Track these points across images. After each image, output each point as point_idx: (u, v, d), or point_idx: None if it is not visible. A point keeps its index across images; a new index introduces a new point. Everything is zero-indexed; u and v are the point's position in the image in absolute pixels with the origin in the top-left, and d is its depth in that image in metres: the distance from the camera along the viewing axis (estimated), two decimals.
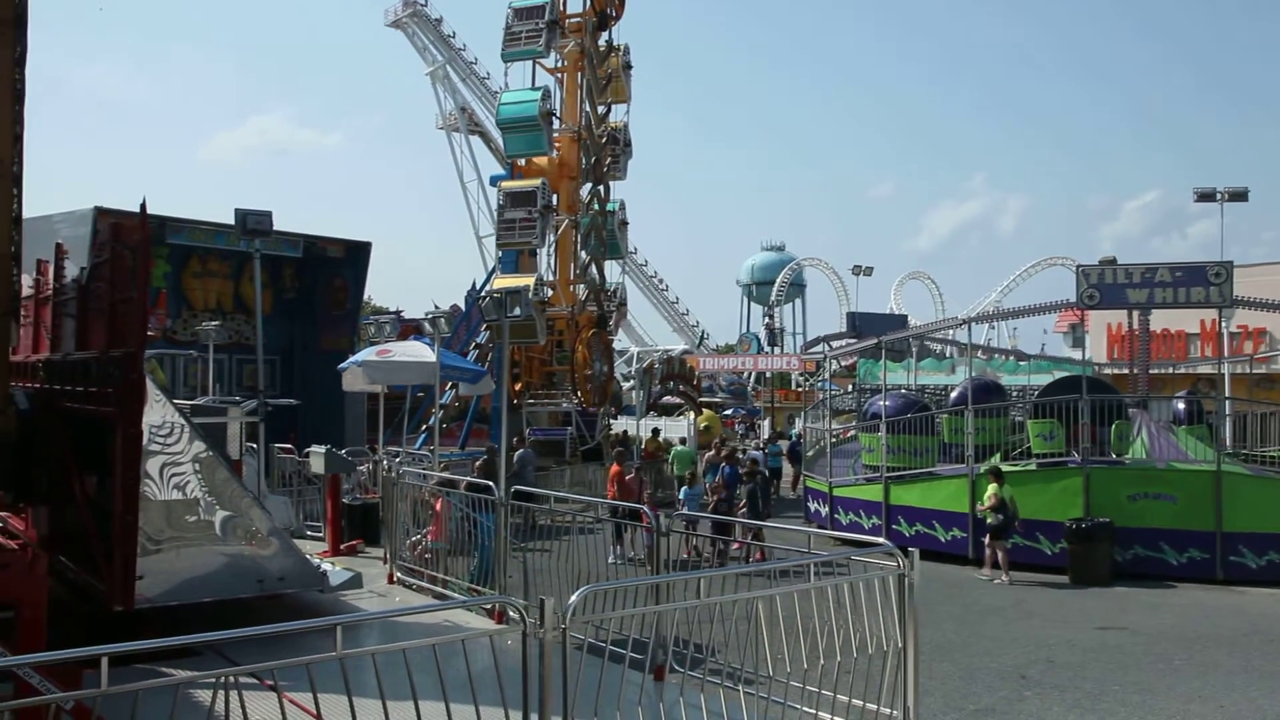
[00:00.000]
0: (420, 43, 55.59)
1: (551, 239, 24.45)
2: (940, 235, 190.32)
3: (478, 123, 55.12)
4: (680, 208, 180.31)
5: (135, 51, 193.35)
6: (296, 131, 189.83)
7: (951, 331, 27.05)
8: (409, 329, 25.11)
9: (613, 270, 27.56)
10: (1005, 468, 17.07)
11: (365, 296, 31.07)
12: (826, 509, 19.69)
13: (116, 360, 6.33)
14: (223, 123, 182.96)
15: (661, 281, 68.61)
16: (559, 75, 25.61)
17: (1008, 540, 15.45)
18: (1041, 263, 67.19)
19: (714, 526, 14.66)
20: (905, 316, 60.86)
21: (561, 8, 24.81)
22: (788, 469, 27.20)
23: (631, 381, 35.86)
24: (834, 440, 21.67)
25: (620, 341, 47.41)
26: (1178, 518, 15.61)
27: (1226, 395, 23.36)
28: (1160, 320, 25.57)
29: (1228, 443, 18.49)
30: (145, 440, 7.03)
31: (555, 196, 24.00)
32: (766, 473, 19.38)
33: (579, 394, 24.53)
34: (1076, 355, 38.22)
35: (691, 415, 34.06)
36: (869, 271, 59.31)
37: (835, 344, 32.80)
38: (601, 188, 25.99)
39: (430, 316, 16.10)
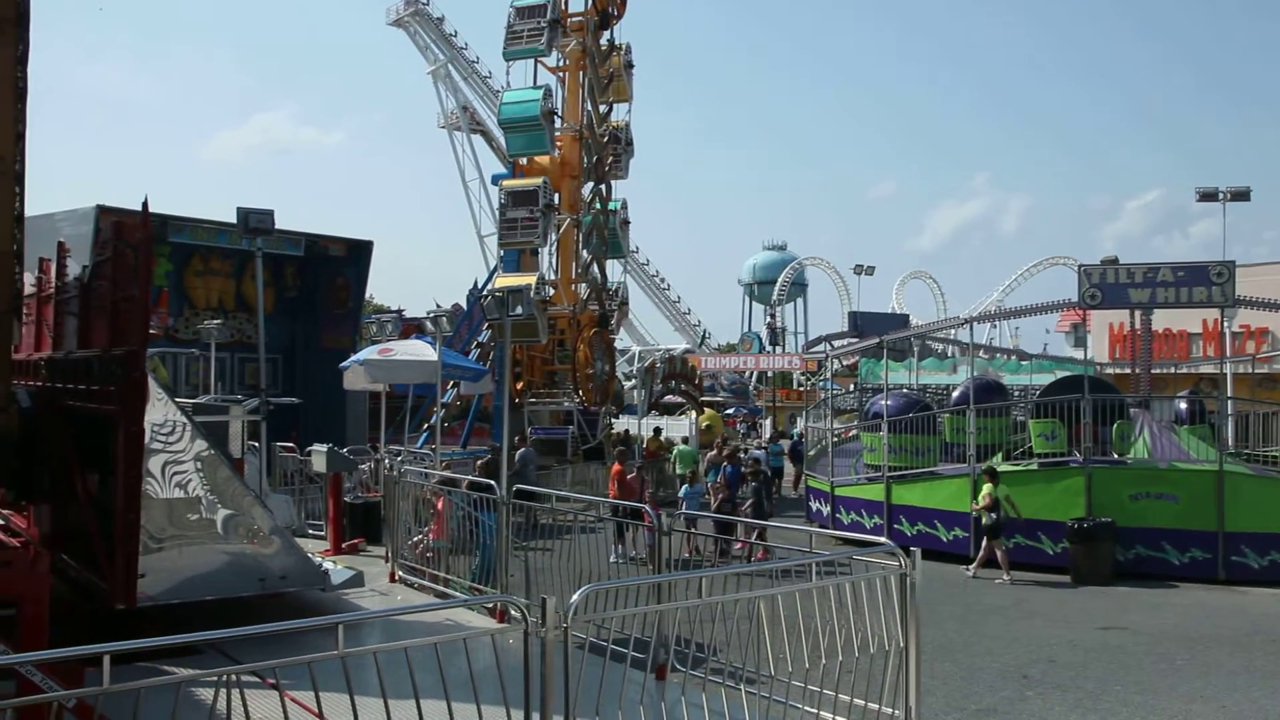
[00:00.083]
0: (422, 41, 55.61)
1: (553, 238, 24.43)
2: (942, 235, 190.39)
3: (479, 121, 55.12)
4: (682, 207, 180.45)
5: (137, 50, 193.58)
6: (298, 130, 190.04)
7: (953, 331, 27.07)
8: (411, 328, 25.13)
9: (614, 269, 27.56)
10: (1007, 467, 17.08)
11: (367, 295, 31.10)
12: (828, 508, 19.68)
13: (119, 358, 6.33)
14: (225, 121, 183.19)
15: (663, 280, 68.64)
16: (560, 74, 25.60)
17: (1006, 540, 15.45)
18: (1043, 262, 67.19)
19: (717, 526, 14.66)
20: (907, 316, 60.77)
21: (563, 6, 24.80)
22: (789, 468, 27.20)
23: (633, 381, 35.82)
24: (836, 440, 21.66)
25: (622, 340, 47.40)
26: (1180, 517, 15.60)
27: (1229, 395, 23.32)
28: (1162, 320, 25.55)
29: (1230, 442, 18.49)
30: (147, 438, 7.03)
31: (557, 195, 23.99)
32: (769, 472, 19.39)
33: (580, 393, 24.52)
34: (1078, 355, 38.18)
35: (693, 414, 34.04)
36: (871, 271, 59.35)
37: (837, 343, 32.74)
38: (603, 187, 25.98)
39: (432, 315, 16.10)
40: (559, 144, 24.68)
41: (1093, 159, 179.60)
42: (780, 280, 73.05)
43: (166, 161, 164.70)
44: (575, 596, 4.45)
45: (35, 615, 5.19)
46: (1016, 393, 25.24)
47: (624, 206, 27.46)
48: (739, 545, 14.61)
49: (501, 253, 25.00)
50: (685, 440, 27.72)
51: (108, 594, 6.53)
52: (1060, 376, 22.89)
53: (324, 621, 4.36)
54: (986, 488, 15.54)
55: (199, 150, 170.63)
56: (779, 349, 61.32)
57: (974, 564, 15.55)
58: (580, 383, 24.34)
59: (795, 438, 29.86)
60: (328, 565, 9.80)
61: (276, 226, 15.35)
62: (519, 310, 14.48)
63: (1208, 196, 34.64)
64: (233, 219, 15.50)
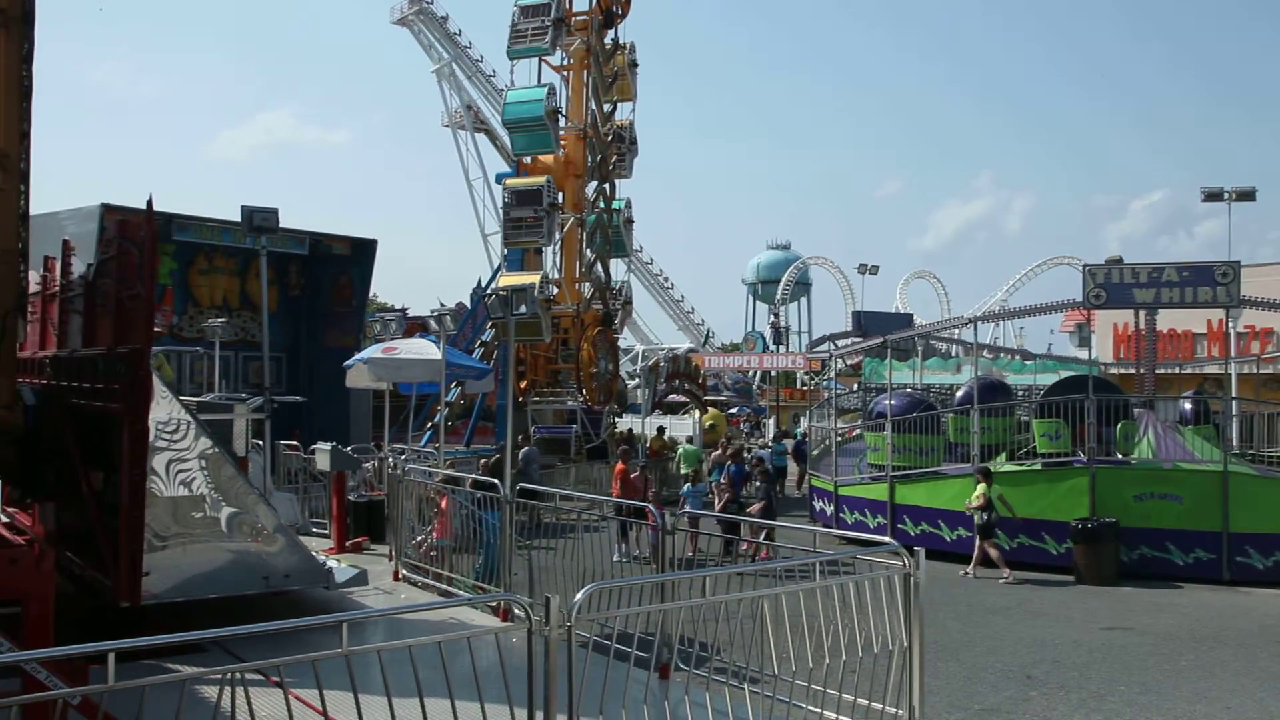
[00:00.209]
0: (426, 40, 55.63)
1: (557, 237, 24.44)
2: (946, 234, 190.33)
3: (483, 120, 55.13)
4: (686, 206, 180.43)
5: (141, 49, 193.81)
6: (302, 129, 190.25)
7: (957, 330, 27.05)
8: (414, 326, 25.14)
9: (618, 268, 27.57)
10: (1010, 467, 17.07)
11: (371, 294, 31.10)
12: (831, 508, 19.67)
13: (123, 357, 6.34)
14: (229, 120, 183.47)
15: (667, 280, 68.68)
16: (564, 73, 25.59)
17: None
18: (1047, 262, 67.16)
19: (723, 525, 14.66)
20: (911, 315, 60.84)
21: (567, 5, 24.78)
22: (793, 468, 27.18)
23: (637, 380, 35.79)
24: (839, 439, 21.65)
25: (625, 340, 47.42)
26: (1184, 518, 15.57)
27: (1233, 395, 23.29)
28: (1167, 320, 25.52)
29: (1234, 443, 18.46)
30: (152, 436, 7.03)
31: (560, 194, 23.99)
32: (772, 471, 19.39)
33: (584, 392, 24.53)
34: (1082, 355, 38.10)
35: (696, 414, 34.04)
36: (874, 270, 59.34)
37: (840, 343, 32.78)
38: (607, 186, 25.97)
39: (436, 314, 16.11)
40: (563, 143, 24.67)
41: (1097, 159, 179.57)
42: (784, 279, 73.03)
43: (170, 160, 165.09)
44: (579, 595, 4.45)
45: (40, 613, 5.20)
46: (1020, 393, 25.21)
47: (628, 205, 27.45)
48: (745, 545, 14.59)
49: (505, 251, 25.00)
50: (690, 440, 27.71)
51: (112, 592, 6.54)
52: (1064, 376, 22.86)
53: (328, 620, 4.36)
54: (980, 487, 15.57)
55: (203, 149, 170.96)
56: (783, 348, 61.34)
57: (970, 565, 15.55)
58: (584, 382, 24.34)
59: (799, 437, 29.85)
60: (331, 564, 9.80)
61: (280, 225, 15.35)
62: (523, 309, 14.50)
63: (1213, 196, 34.55)
64: (237, 217, 15.50)
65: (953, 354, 38.41)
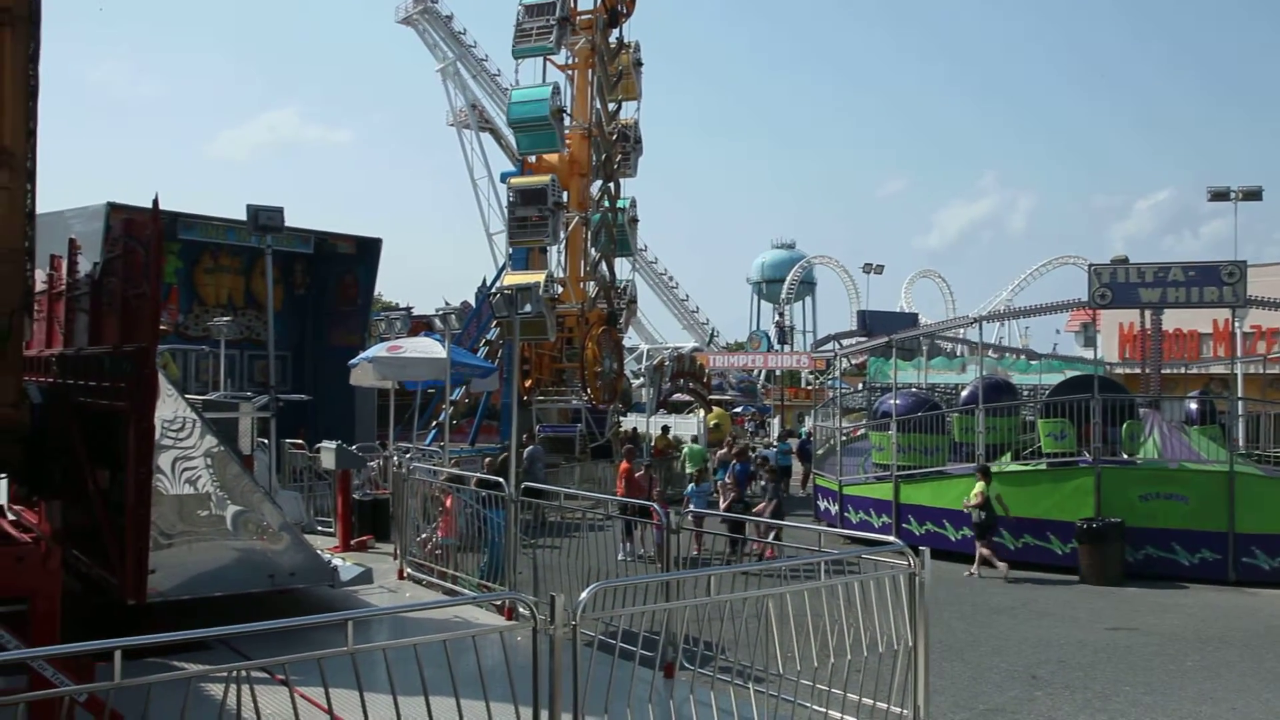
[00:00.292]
0: (431, 39, 55.62)
1: (562, 236, 24.45)
2: (951, 233, 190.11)
3: (488, 119, 55.12)
4: (690, 205, 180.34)
5: (145, 49, 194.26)
6: (306, 128, 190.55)
7: (962, 330, 27.00)
8: (419, 325, 25.18)
9: (623, 267, 27.60)
10: (1015, 467, 17.05)
11: (376, 293, 31.10)
12: (836, 507, 19.66)
13: (129, 355, 6.35)
14: (233, 119, 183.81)
15: (671, 279, 68.63)
16: (569, 72, 25.59)
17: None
18: (1053, 261, 67.00)
19: (729, 524, 14.64)
20: (916, 315, 60.58)
21: (572, 4, 24.81)
22: (797, 467, 27.17)
23: (641, 379, 35.77)
24: (844, 439, 21.63)
25: (630, 339, 47.37)
26: (1190, 518, 15.53)
27: (1239, 395, 23.23)
28: (1173, 320, 25.45)
29: (1240, 443, 18.39)
30: (158, 435, 7.05)
31: (565, 193, 24.00)
32: (777, 471, 19.38)
33: (589, 391, 24.54)
34: (1088, 354, 38.04)
35: (701, 413, 34.03)
36: (879, 270, 59.25)
37: (845, 342, 32.66)
38: (612, 185, 25.98)
39: (441, 313, 16.15)
40: (568, 142, 24.68)
41: (1103, 158, 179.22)
42: (789, 279, 73.01)
43: (175, 159, 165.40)
44: (584, 594, 4.45)
45: (47, 610, 5.21)
46: (1025, 392, 25.16)
47: (633, 204, 27.46)
48: (754, 546, 14.57)
49: (510, 250, 25.02)
50: (695, 439, 27.71)
51: (118, 590, 6.55)
52: (1069, 376, 22.81)
53: (334, 618, 4.37)
54: (979, 486, 15.58)
55: (207, 147, 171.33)
56: (787, 347, 61.24)
57: (975, 564, 15.54)
58: (588, 381, 24.35)
59: (803, 436, 29.83)
60: (336, 562, 9.82)
61: (286, 224, 15.38)
62: (528, 308, 14.51)
63: (1219, 196, 34.47)
64: (242, 216, 15.53)
65: (958, 353, 38.32)
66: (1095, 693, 9.28)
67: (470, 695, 4.33)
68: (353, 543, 13.02)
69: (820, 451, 23.55)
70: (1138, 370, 22.40)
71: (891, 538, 10.25)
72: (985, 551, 15.37)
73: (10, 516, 7.81)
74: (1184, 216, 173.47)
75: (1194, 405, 19.47)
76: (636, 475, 16.66)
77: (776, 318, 68.59)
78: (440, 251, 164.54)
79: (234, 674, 3.84)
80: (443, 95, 56.32)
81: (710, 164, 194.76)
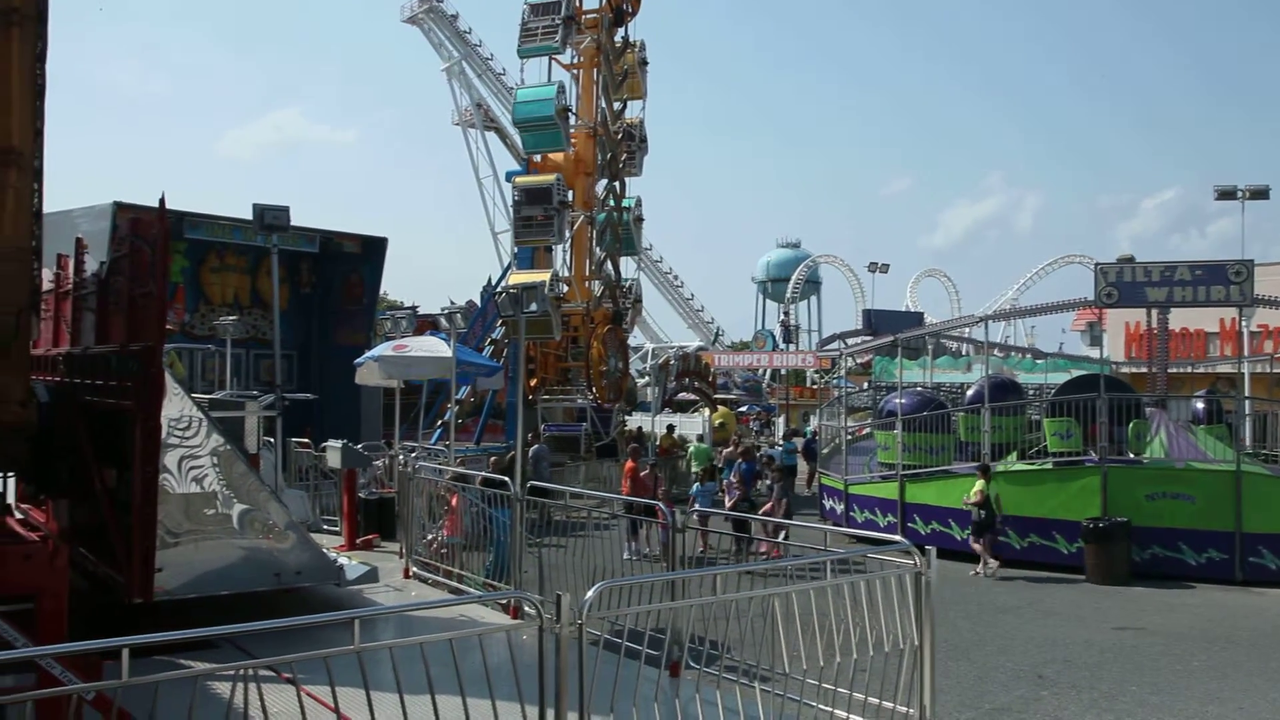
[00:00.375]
0: (436, 39, 55.65)
1: (567, 235, 24.46)
2: (956, 232, 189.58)
3: (493, 119, 55.15)
4: (696, 204, 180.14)
5: (150, 48, 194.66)
6: (312, 127, 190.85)
7: (968, 329, 26.93)
8: (425, 324, 25.21)
9: (628, 266, 27.59)
10: (1022, 466, 17.01)
11: (381, 292, 31.16)
12: (842, 507, 19.64)
13: (136, 354, 6.37)
14: (238, 119, 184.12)
15: (677, 278, 68.57)
16: (575, 70, 25.60)
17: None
18: (1059, 260, 66.86)
19: (736, 524, 14.64)
20: (921, 314, 60.58)
21: (577, 3, 24.79)
22: (802, 466, 27.14)
23: (646, 378, 35.82)
24: (849, 438, 21.60)
25: (635, 338, 47.38)
26: (1196, 518, 15.49)
27: (1246, 395, 23.15)
28: (1179, 319, 25.36)
29: (1247, 443, 18.34)
30: (164, 434, 7.07)
31: (570, 192, 24.00)
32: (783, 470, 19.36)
33: (594, 390, 24.54)
34: (1094, 354, 38.00)
35: (706, 412, 34.03)
36: (885, 269, 59.05)
37: (851, 341, 32.68)
38: (617, 184, 25.98)
39: (446, 312, 16.17)
40: (573, 141, 24.69)
41: (1109, 157, 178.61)
42: (794, 278, 72.93)
43: (180, 158, 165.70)
44: (590, 593, 4.45)
45: (54, 609, 5.23)
46: (1031, 391, 25.11)
47: (638, 204, 27.45)
48: (761, 545, 14.55)
49: (515, 249, 25.04)
50: (701, 438, 27.70)
51: (125, 588, 6.57)
52: (1075, 375, 22.77)
53: (340, 617, 4.38)
54: (979, 484, 15.57)
55: (213, 147, 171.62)
56: (793, 346, 61.19)
57: (980, 563, 15.54)
58: (594, 380, 24.35)
59: (809, 436, 29.80)
60: (342, 561, 9.84)
61: (291, 223, 15.42)
62: (533, 307, 14.50)
63: (1226, 195, 34.33)
64: (248, 215, 15.58)
65: (963, 353, 38.25)
66: (1101, 692, 9.26)
67: (476, 694, 4.34)
68: (358, 541, 13.05)
69: (826, 451, 23.52)
70: (1144, 369, 22.37)
71: (897, 537, 10.24)
72: (977, 547, 15.42)
73: (18, 515, 7.84)
74: (1191, 215, 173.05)
75: (1200, 404, 19.41)
76: (641, 474, 16.66)
77: (782, 317, 68.57)
78: (445, 251, 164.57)
79: (241, 672, 3.86)
80: (448, 94, 56.41)
81: (715, 163, 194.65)
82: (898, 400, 19.49)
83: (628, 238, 26.66)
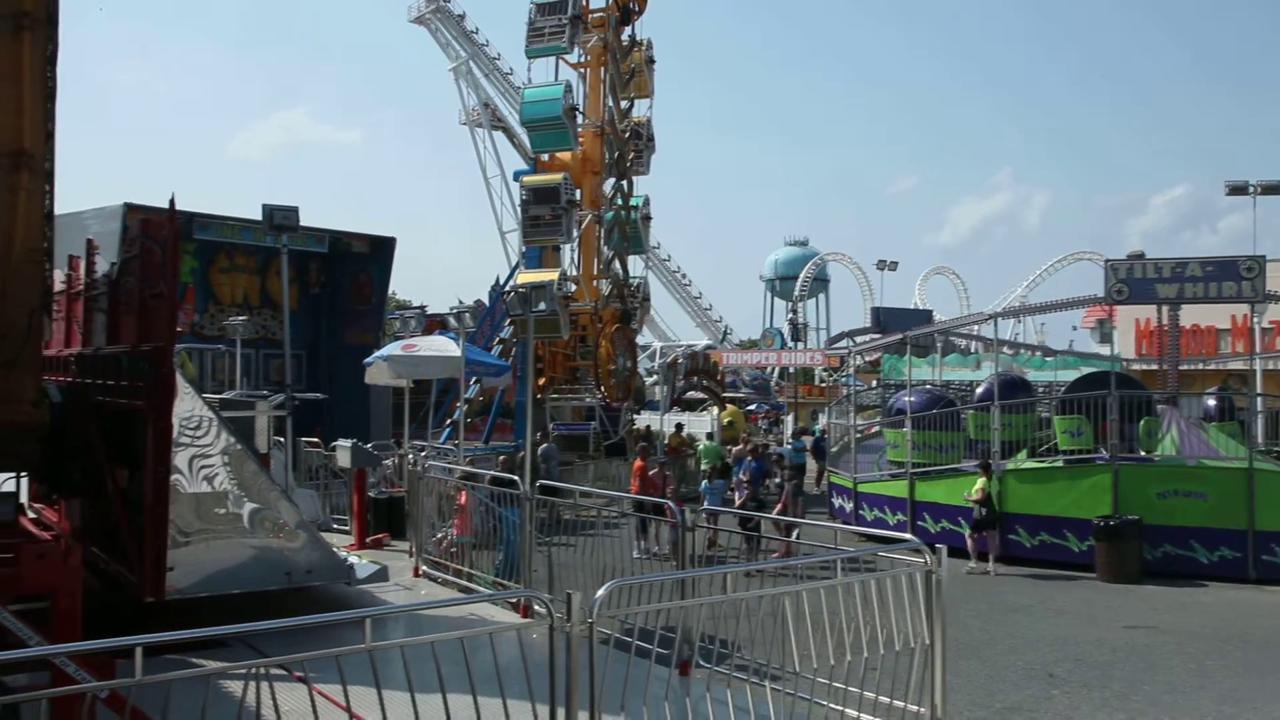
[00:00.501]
0: (443, 39, 55.69)
1: (575, 234, 24.46)
2: (964, 230, 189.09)
3: (501, 118, 55.17)
4: (703, 203, 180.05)
5: (157, 49, 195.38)
6: (319, 128, 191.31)
7: (977, 327, 26.87)
8: (433, 324, 25.23)
9: (636, 265, 27.54)
10: (1032, 464, 16.96)
11: (390, 291, 31.22)
12: (851, 505, 19.61)
13: (147, 354, 6.40)
14: (246, 120, 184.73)
15: (685, 276, 68.50)
16: (582, 70, 25.58)
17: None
18: (1068, 257, 66.56)
19: (745, 523, 14.63)
20: (930, 311, 60.31)
21: (584, 3, 24.78)
22: (812, 465, 27.11)
23: (655, 376, 35.79)
24: (858, 436, 21.57)
25: (643, 337, 47.31)
26: (1209, 516, 15.42)
27: (1258, 392, 23.03)
28: (1190, 315, 25.25)
29: (1260, 440, 18.23)
30: (175, 433, 7.10)
31: (578, 191, 23.99)
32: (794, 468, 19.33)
33: (602, 389, 24.54)
34: (1104, 351, 37.80)
35: (715, 410, 34.01)
36: (893, 266, 58.85)
37: (859, 339, 32.60)
38: (625, 183, 25.96)
39: (455, 311, 16.18)
40: (580, 140, 24.68)
41: (1118, 154, 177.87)
42: (802, 276, 72.78)
43: (189, 159, 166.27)
44: (600, 592, 4.45)
45: (68, 608, 5.25)
46: (1041, 389, 25.04)
47: (646, 202, 27.42)
48: (773, 544, 14.54)
49: (523, 249, 25.04)
50: (710, 437, 27.68)
51: (137, 587, 6.60)
52: (1086, 373, 22.67)
53: (351, 616, 4.39)
54: (981, 481, 15.55)
55: (221, 148, 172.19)
56: (801, 345, 61.07)
57: (990, 561, 15.52)
58: (602, 379, 24.36)
59: (817, 434, 29.77)
60: (352, 560, 9.87)
61: (300, 223, 15.45)
62: (541, 306, 14.53)
63: (1238, 190, 34.12)
64: (257, 216, 15.61)
65: (973, 350, 38.14)
66: (1114, 691, 9.22)
67: (487, 693, 4.34)
68: (368, 540, 13.08)
69: (835, 449, 23.49)
70: (1155, 366, 22.26)
71: (908, 535, 10.23)
72: (970, 544, 15.42)
73: (31, 515, 7.88)
74: (1201, 211, 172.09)
75: (1212, 401, 19.33)
76: (650, 473, 16.67)
77: (790, 315, 68.40)
78: (454, 250, 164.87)
79: (253, 671, 3.86)
80: (455, 94, 56.44)
81: (723, 161, 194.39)
82: (907, 398, 19.47)
83: (635, 236, 26.63)
